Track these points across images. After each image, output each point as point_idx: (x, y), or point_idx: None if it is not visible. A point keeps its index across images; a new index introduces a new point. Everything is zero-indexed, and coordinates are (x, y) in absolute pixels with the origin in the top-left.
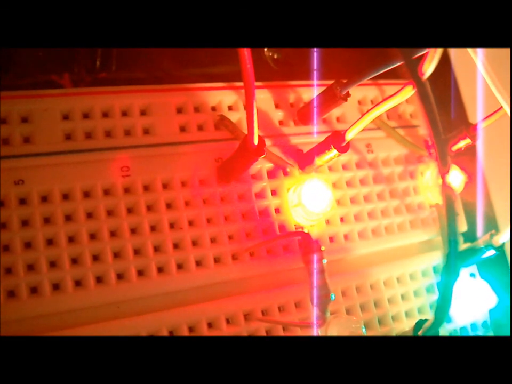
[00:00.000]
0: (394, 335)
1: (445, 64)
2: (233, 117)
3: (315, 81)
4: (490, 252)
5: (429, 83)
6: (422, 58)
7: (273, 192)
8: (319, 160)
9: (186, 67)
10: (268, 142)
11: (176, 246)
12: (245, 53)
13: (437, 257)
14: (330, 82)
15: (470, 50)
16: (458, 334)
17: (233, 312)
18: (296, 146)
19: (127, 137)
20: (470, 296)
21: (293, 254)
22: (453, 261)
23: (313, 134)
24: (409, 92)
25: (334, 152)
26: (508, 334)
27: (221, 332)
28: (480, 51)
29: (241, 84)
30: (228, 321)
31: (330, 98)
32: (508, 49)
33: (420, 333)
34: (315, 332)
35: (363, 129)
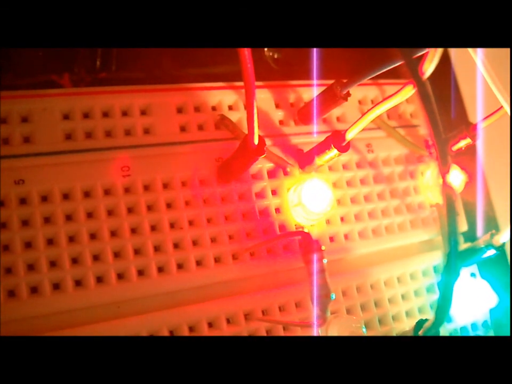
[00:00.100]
0: (394, 334)
1: (445, 64)
2: (234, 116)
3: (315, 81)
4: (491, 252)
5: (429, 83)
6: (422, 58)
7: (274, 192)
8: (319, 160)
9: (186, 67)
10: (268, 142)
11: (176, 245)
12: (245, 53)
13: (437, 257)
14: (331, 82)
15: (470, 50)
16: (459, 334)
17: (233, 312)
18: (296, 146)
19: (127, 137)
20: (470, 296)
21: (293, 253)
22: (453, 260)
23: (313, 134)
24: (409, 91)
25: (334, 151)
26: (508, 334)
27: (221, 332)
28: (480, 51)
29: (241, 83)
30: (228, 321)
31: (330, 98)
32: (508, 49)
33: (420, 333)
34: (315, 331)
35: (363, 129)
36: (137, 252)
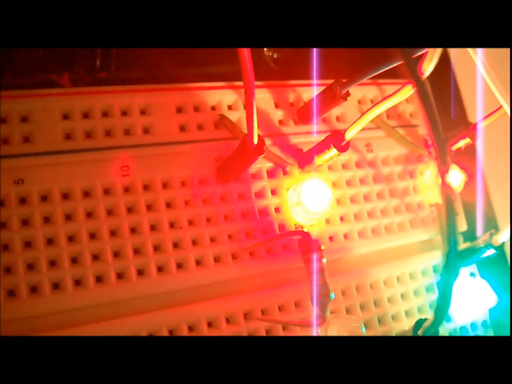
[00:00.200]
0: (394, 334)
1: (444, 64)
2: (233, 116)
3: (315, 81)
4: (490, 251)
5: (429, 82)
6: (421, 57)
7: (273, 192)
8: (318, 160)
9: (186, 66)
10: (267, 142)
11: (176, 245)
12: (245, 53)
13: (436, 257)
14: (330, 81)
15: (469, 50)
16: (458, 334)
17: (233, 311)
18: (296, 145)
19: (126, 137)
20: (469, 295)
21: (292, 253)
22: (453, 260)
23: (313, 134)
24: (408, 91)
25: (333, 151)
26: (508, 333)
27: (221, 331)
28: (479, 51)
29: (241, 83)
30: (227, 320)
31: (330, 97)
32: (508, 49)
33: (419, 332)
34: (315, 331)
35: (363, 129)
36: (136, 251)
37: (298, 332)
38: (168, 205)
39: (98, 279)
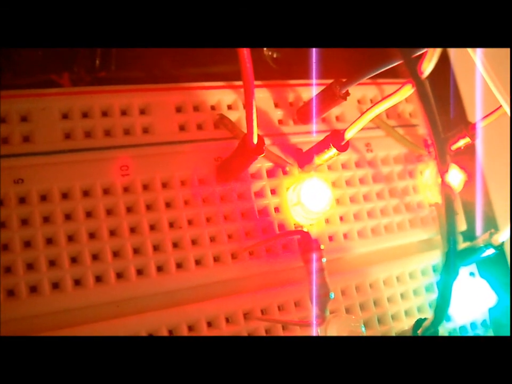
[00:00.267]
0: (393, 334)
1: (444, 63)
2: (233, 116)
3: (314, 80)
4: (490, 251)
5: (428, 82)
6: (421, 57)
7: (273, 191)
8: (318, 159)
9: (186, 66)
10: (267, 141)
11: (175, 245)
12: (245, 53)
13: (436, 256)
14: (330, 81)
15: (469, 49)
16: (458, 333)
17: (232, 311)
18: (295, 145)
19: (126, 136)
20: (469, 295)
21: (292, 253)
22: (452, 259)
23: (312, 133)
24: (408, 90)
25: (333, 151)
26: (508, 333)
27: (221, 331)
28: (479, 51)
29: (240, 83)
30: (227, 320)
31: (329, 97)
32: (508, 49)
33: (419, 332)
34: (314, 330)
35: (362, 128)
36: (136, 251)
37: (298, 332)
38: (168, 205)
39: (98, 279)
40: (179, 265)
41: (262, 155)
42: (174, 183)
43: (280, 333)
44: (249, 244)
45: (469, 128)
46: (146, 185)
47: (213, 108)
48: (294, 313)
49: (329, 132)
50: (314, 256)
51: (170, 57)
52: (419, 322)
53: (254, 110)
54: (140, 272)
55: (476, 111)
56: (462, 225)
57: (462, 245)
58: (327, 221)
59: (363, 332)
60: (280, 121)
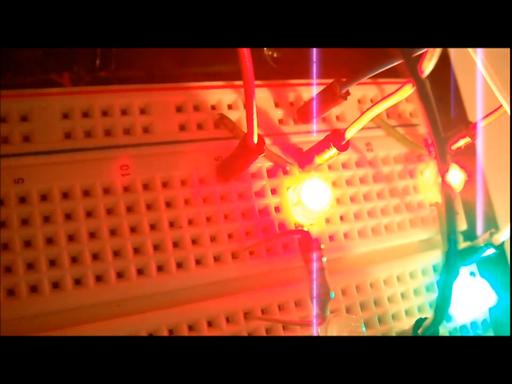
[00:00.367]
0: (394, 333)
1: (444, 63)
2: (233, 115)
3: (315, 80)
4: (490, 251)
5: (429, 82)
6: (421, 56)
7: (273, 191)
8: (318, 159)
9: (186, 66)
10: (267, 141)
11: (175, 244)
12: (245, 52)
13: (436, 256)
14: (330, 81)
15: (470, 49)
16: (458, 333)
17: (233, 310)
18: (295, 145)
19: (126, 136)
20: (470, 294)
21: (292, 252)
22: (453, 259)
23: (313, 133)
24: (408, 90)
25: (333, 150)
26: (508, 333)
27: (221, 331)
28: (480, 50)
29: (240, 82)
30: (227, 320)
31: (330, 97)
32: (508, 49)
33: (419, 332)
34: (315, 330)
35: (363, 128)
36: (136, 250)
37: (299, 331)
38: (168, 204)
39: (98, 279)
40: (179, 265)
41: (263, 155)
42: (174, 182)
43: (281, 332)
44: (250, 244)
45: (469, 127)
46: (146, 185)
47: (213, 107)
48: (294, 312)
49: (330, 132)
50: (314, 255)
51: (170, 56)
52: (419, 322)
53: (254, 110)
54: (140, 271)
55: (476, 110)
56: (462, 225)
57: (463, 244)
58: (327, 220)
59: (363, 331)
60: (280, 121)
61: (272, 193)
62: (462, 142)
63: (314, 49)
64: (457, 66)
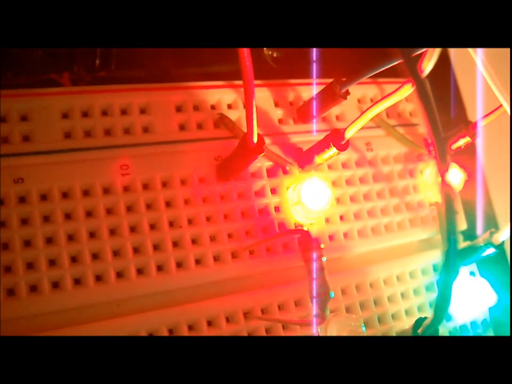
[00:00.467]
0: (394, 333)
1: (444, 62)
2: (233, 115)
3: (314, 80)
4: (490, 250)
5: (429, 81)
6: (421, 56)
7: (273, 191)
8: (318, 159)
9: (186, 65)
10: (267, 141)
11: (175, 244)
12: (245, 52)
13: (436, 256)
14: (330, 80)
15: (470, 49)
16: (458, 332)
17: (232, 310)
18: (295, 144)
19: (126, 136)
20: (469, 294)
21: (292, 252)
22: (453, 259)
23: (312, 133)
24: (408, 90)
25: (333, 150)
26: (508, 332)
27: (221, 330)
28: (480, 50)
29: (240, 82)
30: (227, 319)
31: (329, 96)
32: (508, 49)
33: (419, 331)
34: (315, 330)
35: (362, 128)
36: (136, 250)
37: (298, 331)
38: (168, 204)
39: (98, 278)
40: (179, 265)
41: (262, 154)
42: (174, 182)
43: (281, 332)
44: (250, 243)
45: (469, 127)
46: (146, 185)
47: (213, 107)
48: (294, 312)
49: (330, 131)
50: (314, 255)
51: (170, 56)
52: (419, 322)
53: (254, 110)
54: (140, 271)
55: (476, 110)
56: (462, 225)
57: (462, 244)
58: (327, 220)
59: (363, 331)
60: (280, 121)
61: (272, 193)
62: (462, 142)
63: (314, 49)
64: (457, 66)
